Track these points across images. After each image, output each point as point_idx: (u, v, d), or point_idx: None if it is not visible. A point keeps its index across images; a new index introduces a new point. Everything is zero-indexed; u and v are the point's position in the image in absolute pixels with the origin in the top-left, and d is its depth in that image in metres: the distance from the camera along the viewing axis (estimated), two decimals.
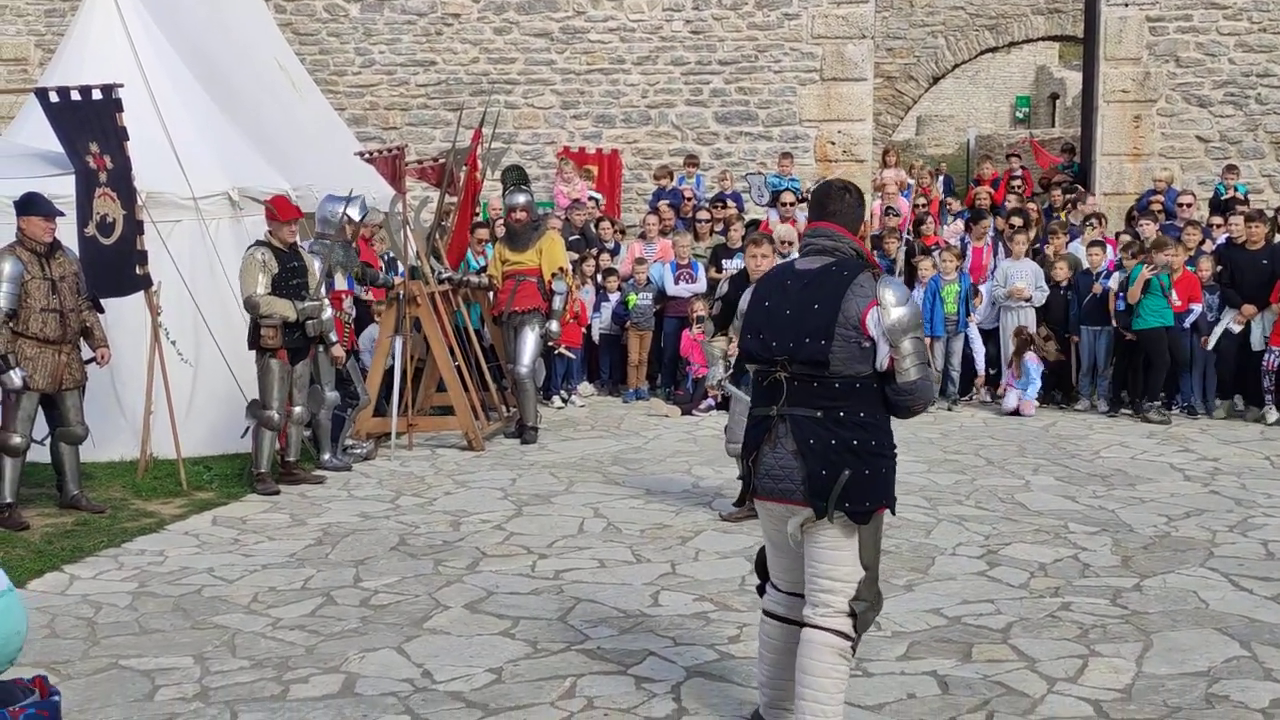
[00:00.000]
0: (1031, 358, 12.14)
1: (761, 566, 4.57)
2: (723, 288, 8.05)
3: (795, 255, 4.75)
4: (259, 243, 8.94)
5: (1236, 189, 14.92)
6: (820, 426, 4.09)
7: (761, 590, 4.56)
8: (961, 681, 5.10)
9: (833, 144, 16.87)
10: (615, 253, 13.91)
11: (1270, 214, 13.37)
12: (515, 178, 12.26)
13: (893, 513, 4.35)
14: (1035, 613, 6.03)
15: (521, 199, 11.23)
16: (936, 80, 26.05)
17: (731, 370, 7.60)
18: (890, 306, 4.10)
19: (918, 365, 4.14)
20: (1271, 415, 11.44)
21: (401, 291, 10.17)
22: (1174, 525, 7.72)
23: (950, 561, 6.99)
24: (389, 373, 10.32)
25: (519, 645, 5.57)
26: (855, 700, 4.93)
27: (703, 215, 14.16)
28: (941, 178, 20.37)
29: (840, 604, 4.13)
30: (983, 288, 12.71)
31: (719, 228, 13.91)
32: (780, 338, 4.17)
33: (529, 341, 10.89)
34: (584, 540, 7.43)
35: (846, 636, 4.15)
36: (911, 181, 16.06)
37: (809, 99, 16.93)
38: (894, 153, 17.28)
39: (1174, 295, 11.60)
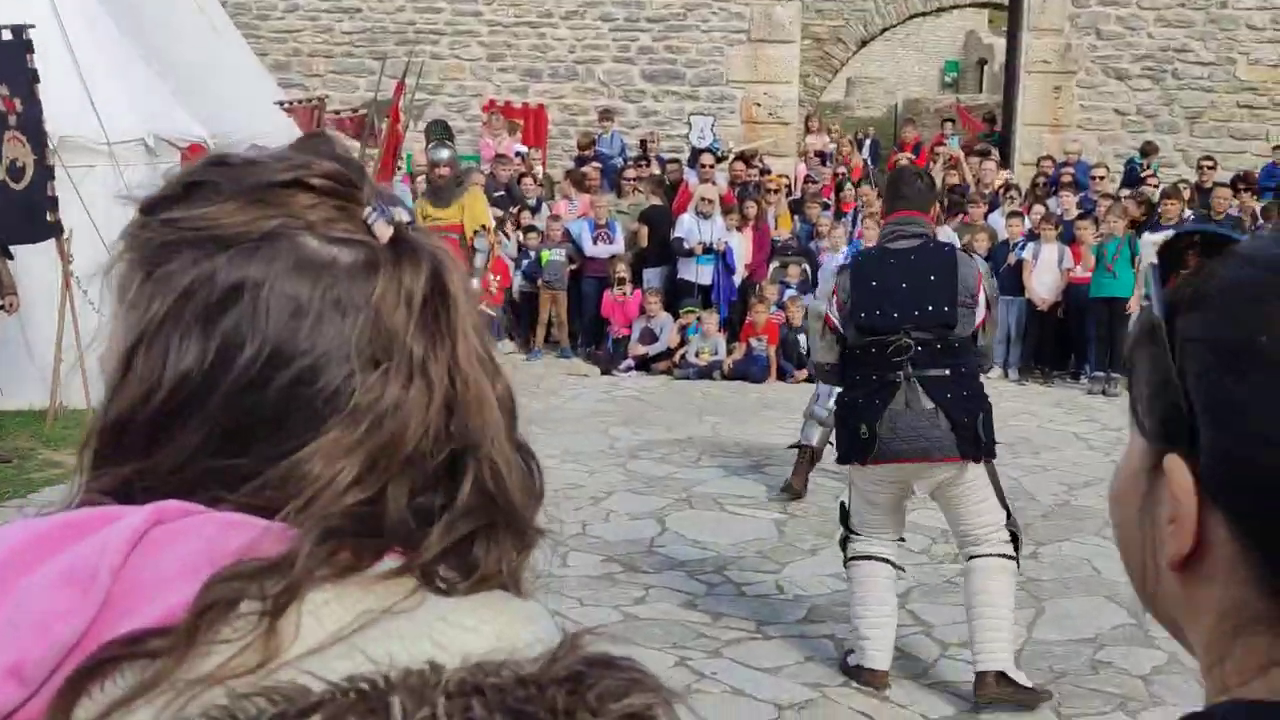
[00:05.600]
0: None
1: (846, 518, 5.00)
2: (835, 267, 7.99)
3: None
4: None
5: (1151, 166, 15.18)
6: (950, 382, 4.63)
7: (845, 541, 4.96)
8: (849, 650, 5.23)
9: (759, 105, 16.92)
10: (537, 209, 13.86)
11: (1184, 189, 13.64)
12: (439, 132, 12.20)
13: None
14: (934, 579, 6.18)
15: (444, 154, 11.16)
16: (865, 43, 26.09)
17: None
18: (985, 277, 4.86)
19: (995, 330, 5.00)
20: None
21: None
22: (1073, 494, 7.92)
23: None
24: None
25: None
26: (753, 662, 5.06)
27: (628, 174, 14.16)
28: (868, 141, 20.57)
29: (1001, 535, 4.70)
30: None
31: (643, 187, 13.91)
32: (903, 308, 4.64)
33: None
34: None
35: (1011, 557, 4.72)
36: (832, 147, 16.18)
37: (736, 60, 16.94)
38: (816, 118, 17.35)
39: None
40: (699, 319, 12.29)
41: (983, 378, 4.89)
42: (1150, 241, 0.78)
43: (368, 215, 0.86)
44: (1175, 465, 0.73)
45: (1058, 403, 11.29)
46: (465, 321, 0.87)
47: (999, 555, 4.68)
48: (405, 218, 0.87)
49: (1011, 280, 12.33)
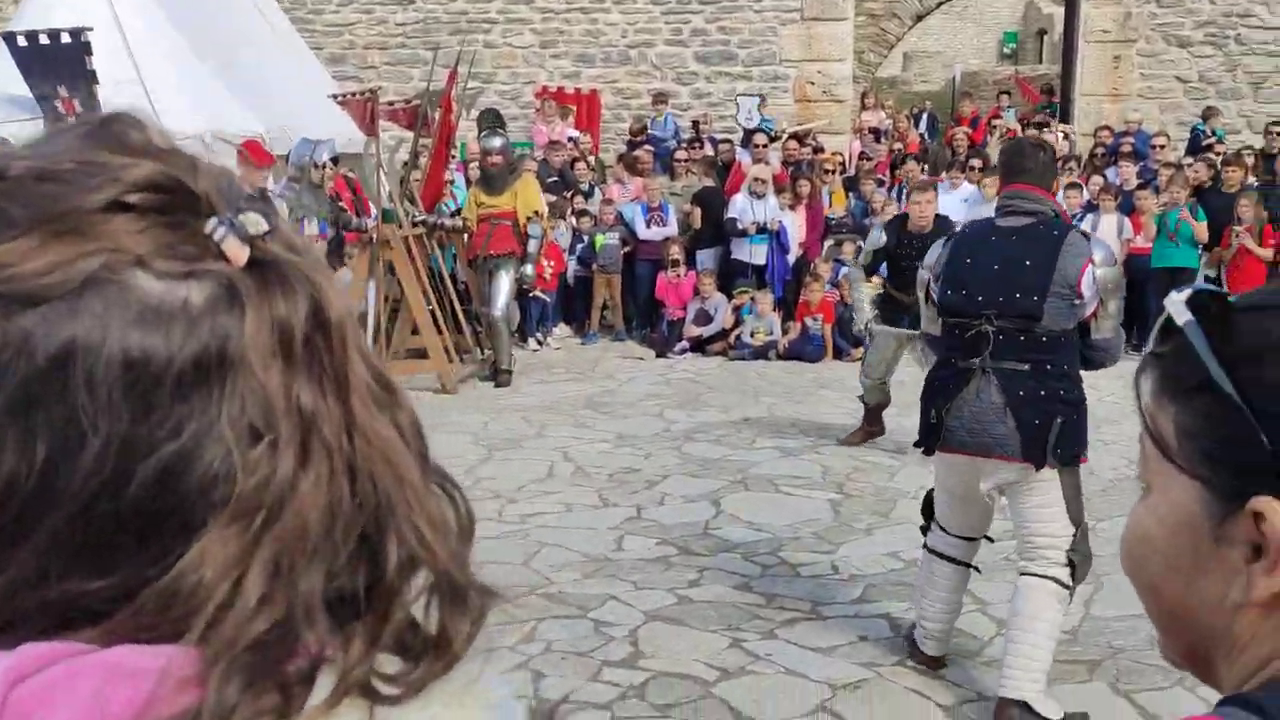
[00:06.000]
0: None
1: (928, 509, 4.79)
2: (879, 237, 8.11)
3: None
4: None
5: (1215, 133, 14.91)
6: (1029, 378, 4.24)
7: (925, 530, 4.79)
8: (912, 624, 5.22)
9: (812, 84, 16.82)
10: (590, 194, 13.90)
11: (1248, 156, 13.39)
12: (490, 120, 12.26)
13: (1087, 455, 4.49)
14: (992, 556, 6.12)
15: (497, 142, 11.22)
16: (921, 18, 25.74)
17: (878, 312, 8.09)
18: (1102, 265, 4.28)
19: (1115, 325, 4.40)
20: None
21: (374, 235, 10.19)
22: (1134, 468, 7.75)
23: (912, 505, 7.06)
24: (363, 316, 10.36)
25: None
26: (806, 642, 5.07)
27: (680, 155, 14.14)
28: (925, 115, 20.35)
29: (1058, 556, 4.31)
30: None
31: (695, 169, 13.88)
32: (988, 292, 4.28)
33: (503, 285, 10.93)
34: (552, 484, 7.53)
35: (1064, 584, 4.32)
36: (888, 123, 16.04)
37: (789, 39, 16.85)
38: (872, 94, 17.21)
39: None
40: (753, 299, 12.26)
41: (1082, 376, 4.39)
42: (1176, 300, 0.81)
43: (213, 230, 0.65)
44: (1271, 507, 0.77)
45: (1119, 375, 11.10)
46: (353, 355, 0.69)
47: (1050, 578, 4.31)
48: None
49: None
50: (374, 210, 10.59)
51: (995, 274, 4.28)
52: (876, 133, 16.07)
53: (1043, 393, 4.24)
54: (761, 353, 11.91)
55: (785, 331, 12.11)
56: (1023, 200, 4.38)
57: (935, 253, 4.60)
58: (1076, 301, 4.24)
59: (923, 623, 4.80)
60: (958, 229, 5.18)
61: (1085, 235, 4.42)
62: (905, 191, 12.79)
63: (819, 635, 5.12)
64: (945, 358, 4.50)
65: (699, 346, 12.31)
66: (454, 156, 13.67)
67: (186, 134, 9.75)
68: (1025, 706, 4.24)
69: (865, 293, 8.27)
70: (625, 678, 4.74)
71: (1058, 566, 4.32)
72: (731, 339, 12.17)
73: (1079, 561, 4.34)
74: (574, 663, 4.86)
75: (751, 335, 12.10)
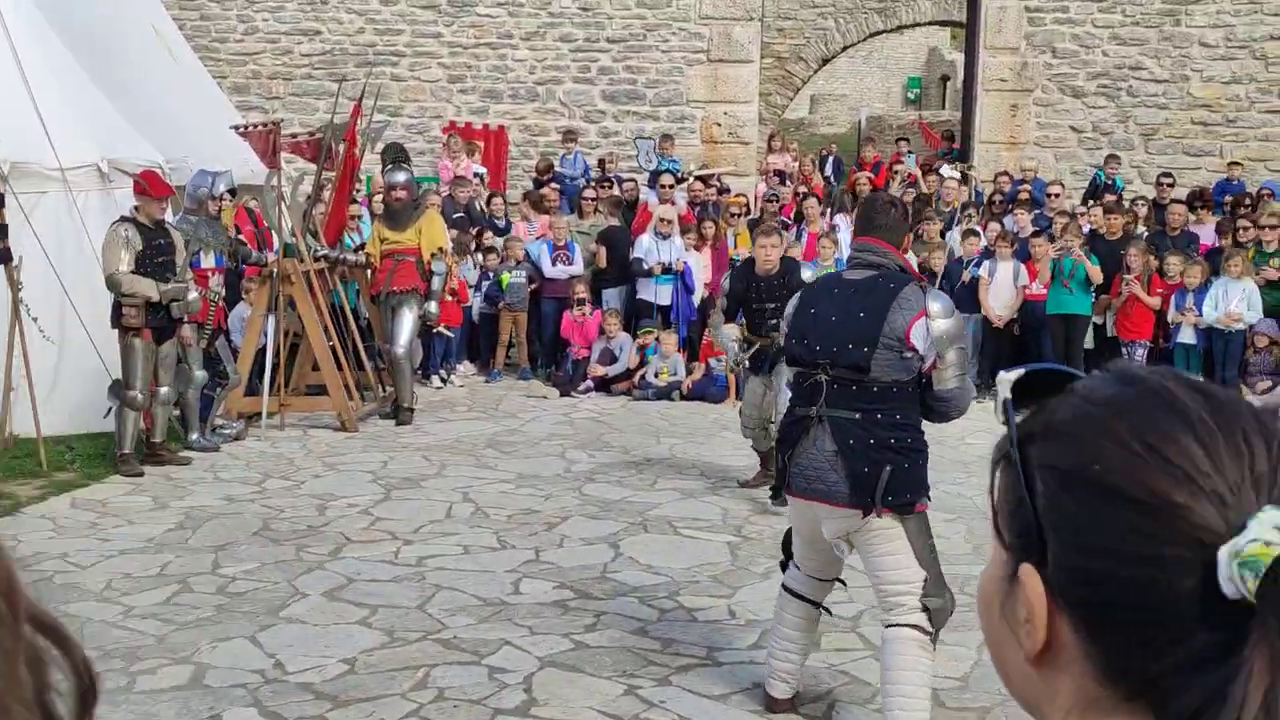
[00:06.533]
0: None
1: (787, 546, 4.88)
2: (725, 284, 8.34)
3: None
4: (123, 218, 8.77)
5: (1114, 181, 15.32)
6: (859, 427, 4.36)
7: (784, 566, 4.89)
8: (808, 670, 5.23)
9: (718, 125, 16.97)
10: (505, 231, 13.85)
11: (1129, 205, 13.76)
12: (395, 155, 12.17)
13: (928, 502, 4.54)
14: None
15: (401, 177, 11.16)
16: (826, 61, 26.19)
17: (750, 352, 8.06)
18: (937, 318, 4.37)
19: (958, 375, 4.46)
20: None
21: (275, 269, 10.05)
22: None
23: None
24: (261, 351, 10.21)
25: (375, 634, 5.59)
26: (701, 689, 5.06)
27: (588, 194, 14.17)
28: (831, 159, 20.63)
29: (913, 603, 4.36)
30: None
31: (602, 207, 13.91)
32: (824, 343, 4.44)
33: (406, 322, 10.84)
34: (450, 525, 7.46)
35: (925, 631, 4.36)
36: (794, 166, 16.23)
37: (696, 79, 16.99)
38: (779, 136, 17.41)
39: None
40: (658, 339, 12.29)
41: (919, 427, 4.48)
42: (1004, 379, 0.91)
43: None
44: (1028, 574, 0.86)
45: None
46: None
47: (911, 625, 4.34)
48: None
49: (968, 297, 12.40)
50: (276, 243, 10.44)
51: (832, 325, 4.45)
52: (782, 175, 16.25)
53: (872, 441, 4.34)
54: (665, 393, 11.93)
55: (689, 372, 12.16)
56: (870, 254, 4.56)
57: (793, 303, 4.78)
58: (907, 354, 4.35)
59: (772, 662, 4.85)
60: (807, 278, 5.31)
61: (923, 288, 4.53)
62: (804, 232, 13.00)
63: (714, 682, 5.12)
64: (791, 405, 4.65)
65: (603, 386, 12.30)
66: (359, 191, 13.56)
67: (83, 163, 9.60)
68: None
69: (727, 334, 8.28)
70: None
71: (916, 613, 4.37)
72: (636, 379, 12.18)
73: (935, 609, 4.39)
74: (466, 710, 4.80)
75: (656, 375, 12.13)
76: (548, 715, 4.78)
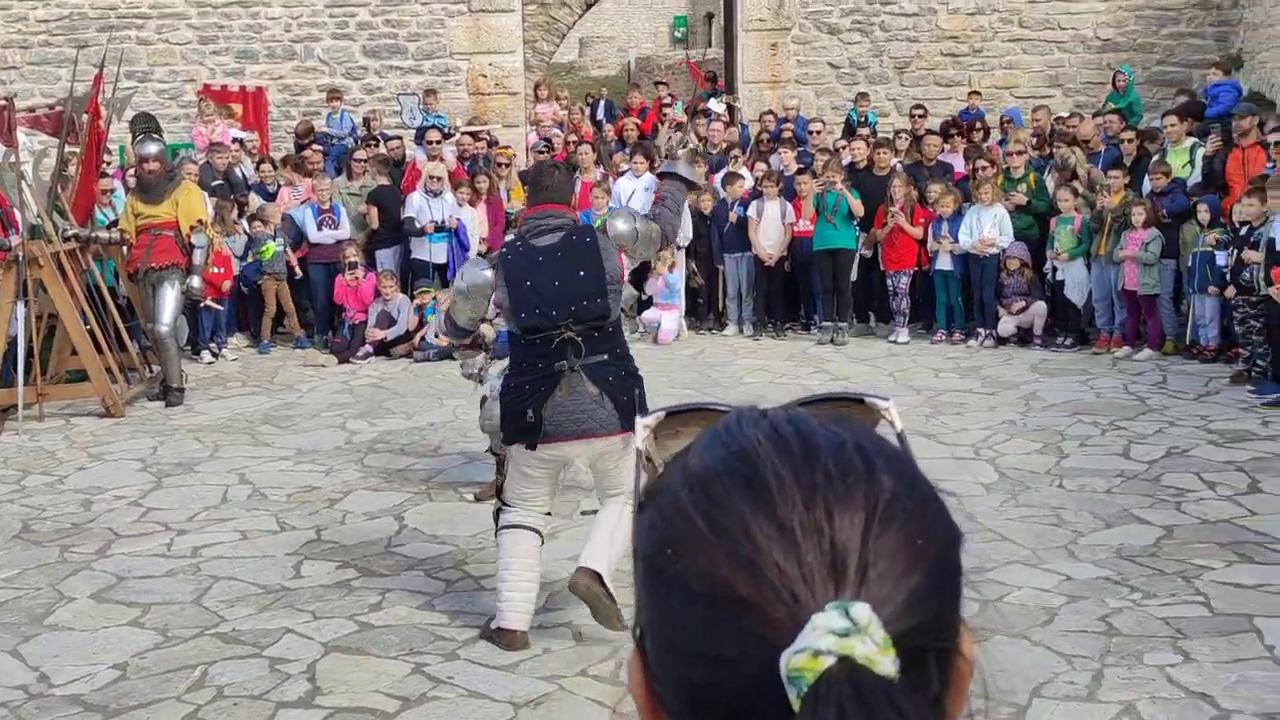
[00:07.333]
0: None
1: (500, 494, 5.37)
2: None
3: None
4: None
5: (867, 117, 15.74)
6: (608, 366, 5.03)
7: (498, 515, 5.33)
8: (594, 631, 5.25)
9: (484, 76, 16.77)
10: (274, 197, 13.38)
11: (902, 139, 14.16)
12: (144, 124, 11.64)
13: None
14: None
15: (152, 148, 10.68)
16: (590, 5, 26.14)
17: (494, 356, 7.62)
18: (621, 228, 5.30)
19: (646, 238, 5.36)
20: (902, 336, 12.26)
21: (21, 253, 9.51)
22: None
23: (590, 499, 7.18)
24: (13, 342, 9.67)
25: (148, 635, 5.39)
26: (489, 660, 5.05)
27: (359, 155, 13.78)
28: (602, 103, 20.59)
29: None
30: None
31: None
32: (560, 306, 4.94)
33: (169, 299, 10.42)
34: (227, 511, 7.24)
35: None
36: (563, 114, 16.16)
37: (458, 31, 16.73)
38: (545, 85, 17.27)
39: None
40: (436, 299, 12.12)
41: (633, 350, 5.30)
42: (641, 425, 0.83)
43: None
44: (632, 664, 0.80)
45: (790, 355, 11.65)
46: None
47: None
48: None
49: (738, 237, 12.62)
50: (20, 225, 9.87)
51: (556, 289, 4.96)
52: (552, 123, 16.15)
53: (623, 374, 5.07)
54: (447, 353, 11.76)
55: None
56: (550, 218, 5.12)
57: (499, 286, 5.06)
58: (621, 287, 5.15)
59: (506, 598, 5.11)
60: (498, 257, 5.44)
61: (602, 230, 5.32)
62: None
63: (502, 652, 5.12)
64: (527, 365, 5.05)
65: (383, 350, 12.10)
66: (109, 163, 12.92)
67: None
68: (597, 577, 4.89)
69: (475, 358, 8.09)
70: (302, 719, 4.60)
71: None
72: (416, 340, 12.01)
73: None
74: (247, 708, 4.68)
75: (436, 336, 11.94)
76: (332, 704, 4.70)
